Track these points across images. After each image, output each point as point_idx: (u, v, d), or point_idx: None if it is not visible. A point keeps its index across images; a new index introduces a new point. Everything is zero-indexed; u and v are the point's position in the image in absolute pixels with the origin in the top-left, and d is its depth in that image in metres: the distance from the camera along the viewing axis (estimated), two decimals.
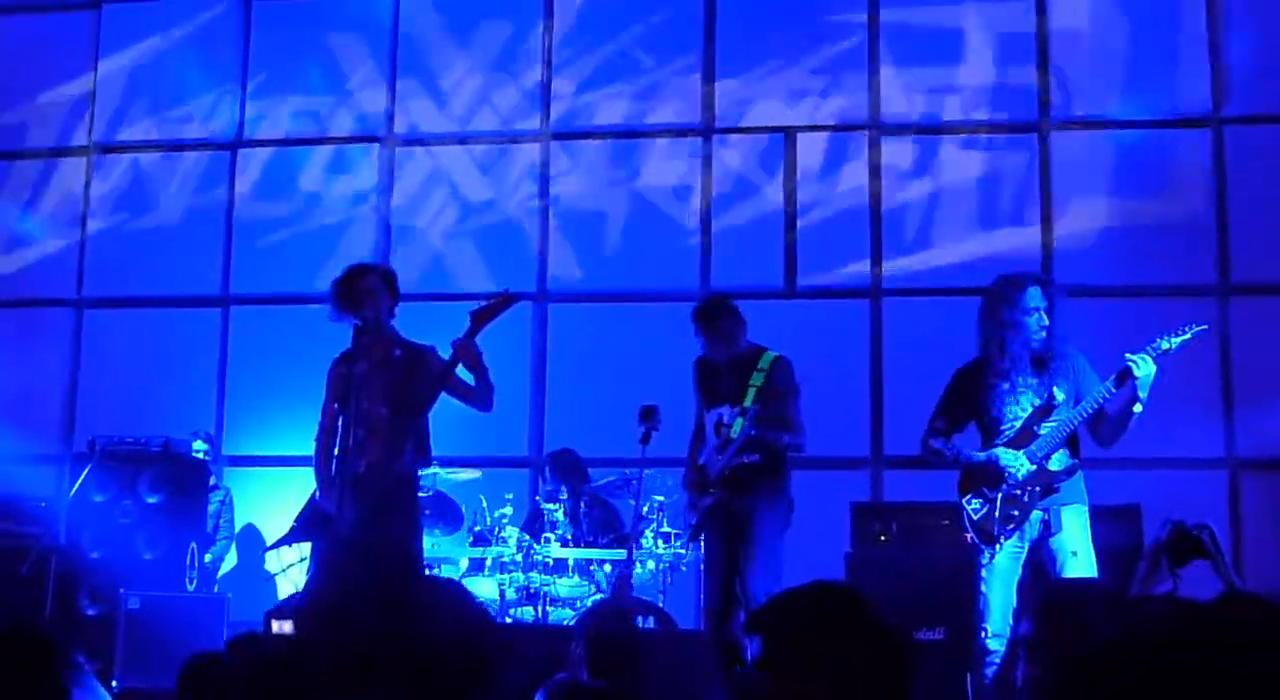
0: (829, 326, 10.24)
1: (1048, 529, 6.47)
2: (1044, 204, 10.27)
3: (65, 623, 8.61)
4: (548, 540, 8.64)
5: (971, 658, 6.65)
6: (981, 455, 6.63)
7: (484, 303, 7.03)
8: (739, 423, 7.20)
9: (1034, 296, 6.61)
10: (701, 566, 7.61)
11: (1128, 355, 6.37)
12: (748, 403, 7.17)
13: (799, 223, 10.54)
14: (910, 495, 8.65)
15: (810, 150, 10.64)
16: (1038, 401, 6.56)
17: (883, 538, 8.12)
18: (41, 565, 8.75)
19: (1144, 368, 6.31)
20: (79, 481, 8.92)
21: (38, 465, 10.56)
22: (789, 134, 10.67)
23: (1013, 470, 6.49)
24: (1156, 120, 10.31)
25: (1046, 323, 6.58)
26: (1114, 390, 6.41)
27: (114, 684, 8.03)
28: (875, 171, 10.52)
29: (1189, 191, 10.15)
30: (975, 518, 6.59)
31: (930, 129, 10.56)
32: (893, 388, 10.11)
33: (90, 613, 8.76)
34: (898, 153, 10.56)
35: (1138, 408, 6.39)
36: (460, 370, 6.98)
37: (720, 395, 7.38)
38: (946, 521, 7.91)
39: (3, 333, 11.22)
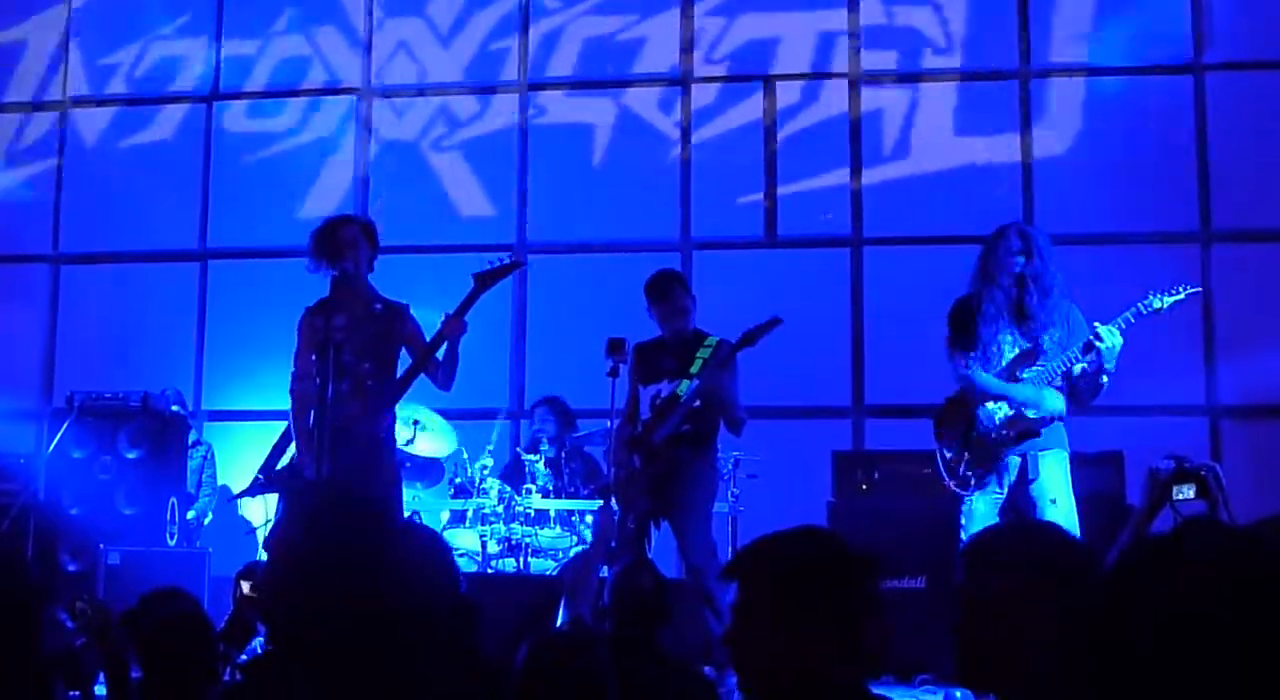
0: (810, 276, 10.22)
1: (1025, 475, 6.43)
2: (1024, 152, 10.24)
3: (46, 579, 8.60)
4: (529, 491, 8.63)
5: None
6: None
7: (488, 266, 6.95)
8: (685, 384, 7.15)
9: (1016, 242, 6.57)
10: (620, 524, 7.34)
11: (1096, 325, 6.34)
12: (694, 370, 7.13)
13: (779, 170, 10.49)
14: (892, 444, 8.65)
15: (789, 96, 10.59)
16: (1025, 346, 6.53)
17: (865, 486, 8.14)
18: (21, 521, 8.72)
19: (1109, 339, 6.28)
20: (58, 437, 8.89)
21: (16, 422, 10.53)
22: (768, 82, 10.62)
23: (991, 413, 6.46)
24: (1138, 67, 10.28)
25: (1028, 268, 6.54)
26: (1080, 357, 6.39)
27: None
28: (854, 119, 10.48)
29: (1171, 138, 10.13)
30: (948, 459, 6.57)
31: (909, 76, 10.51)
32: (873, 337, 10.10)
33: (70, 568, 8.75)
34: (876, 100, 10.52)
35: (1104, 379, 6.37)
36: None
37: (661, 372, 7.31)
38: (928, 470, 7.92)
39: None
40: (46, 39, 11.50)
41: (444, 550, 3.01)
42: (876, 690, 2.80)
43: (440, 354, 6.90)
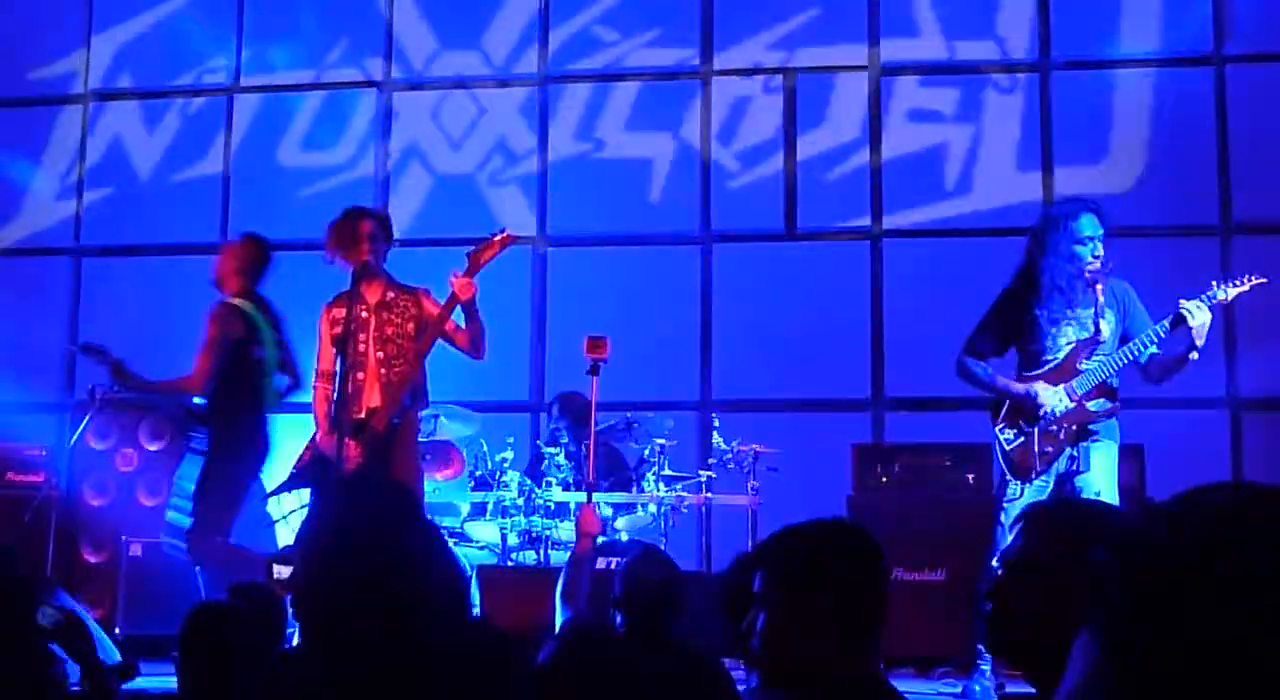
0: (829, 268, 10.20)
1: (1074, 464, 6.37)
2: (1044, 145, 10.20)
3: (67, 571, 8.63)
4: (549, 484, 8.63)
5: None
6: (1020, 388, 6.51)
7: (481, 243, 7.00)
8: None
9: (1089, 224, 6.49)
10: None
11: (1182, 302, 6.27)
12: None
13: (799, 164, 10.47)
14: (912, 436, 8.65)
15: (809, 92, 10.56)
16: (1084, 335, 6.47)
17: (884, 479, 8.13)
18: (43, 514, 8.75)
19: (1199, 316, 6.20)
20: (80, 429, 8.90)
21: (38, 414, 10.55)
22: (788, 75, 10.59)
23: (1051, 407, 6.42)
24: (1158, 59, 10.24)
25: (1100, 252, 6.47)
26: (1167, 332, 6.31)
27: (116, 631, 8.06)
28: (875, 114, 10.45)
29: (1190, 130, 10.08)
30: (1008, 448, 6.48)
31: (929, 69, 10.48)
32: (893, 329, 10.07)
33: (92, 561, 8.79)
34: (898, 95, 10.49)
35: (1194, 355, 6.29)
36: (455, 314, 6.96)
37: None
38: (948, 462, 7.93)
39: (1, 282, 11.18)
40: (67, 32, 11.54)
41: (446, 543, 3.07)
42: (895, 682, 2.82)
43: (460, 321, 6.96)
